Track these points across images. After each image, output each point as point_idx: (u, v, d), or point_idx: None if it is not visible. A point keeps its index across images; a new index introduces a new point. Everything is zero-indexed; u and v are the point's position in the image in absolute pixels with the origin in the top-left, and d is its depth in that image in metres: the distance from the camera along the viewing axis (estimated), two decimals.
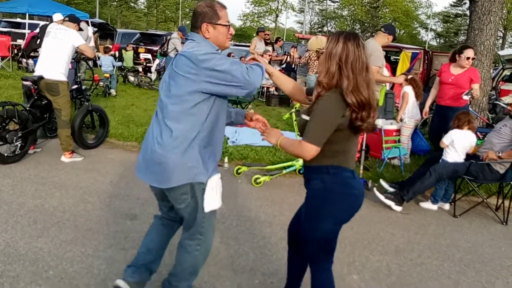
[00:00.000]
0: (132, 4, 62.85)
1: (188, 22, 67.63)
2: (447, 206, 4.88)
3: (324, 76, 2.17)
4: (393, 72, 12.10)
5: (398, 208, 4.63)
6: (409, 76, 6.47)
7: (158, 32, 20.76)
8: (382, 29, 5.58)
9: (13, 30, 15.93)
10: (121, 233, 3.63)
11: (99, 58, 11.27)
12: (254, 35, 12.81)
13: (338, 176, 2.21)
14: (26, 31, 14.83)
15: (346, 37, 2.14)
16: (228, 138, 6.70)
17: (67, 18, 5.57)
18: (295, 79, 11.32)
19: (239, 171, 5.37)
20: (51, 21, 8.20)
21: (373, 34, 57.11)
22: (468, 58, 5.53)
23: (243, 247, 3.57)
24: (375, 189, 4.86)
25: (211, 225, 2.54)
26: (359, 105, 2.09)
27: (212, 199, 2.44)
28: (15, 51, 14.01)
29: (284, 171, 5.27)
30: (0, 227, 3.54)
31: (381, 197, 4.69)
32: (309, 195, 2.32)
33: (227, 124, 2.64)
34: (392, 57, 14.86)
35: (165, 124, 2.33)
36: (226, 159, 5.72)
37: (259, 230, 3.92)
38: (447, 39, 60.33)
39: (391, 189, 4.95)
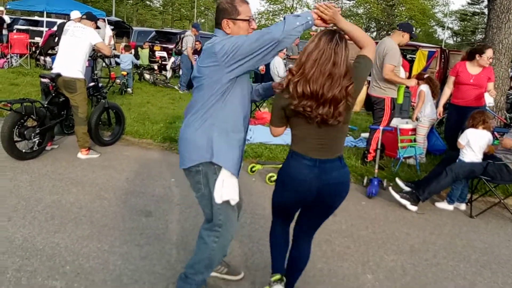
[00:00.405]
0: (148, 2, 63.17)
1: (203, 20, 67.79)
2: (463, 207, 4.83)
3: (295, 65, 2.27)
4: (410, 70, 11.98)
5: (414, 208, 4.59)
6: (426, 75, 6.40)
7: (174, 30, 20.86)
8: (398, 27, 5.54)
9: (31, 28, 16.15)
10: (137, 229, 3.67)
11: (118, 56, 11.37)
12: None
13: (294, 160, 2.39)
14: (44, 29, 15.03)
15: (324, 33, 2.23)
16: None
17: (84, 16, 5.63)
18: None
19: (253, 169, 5.37)
20: (69, 19, 8.30)
21: (389, 32, 56.61)
22: (490, 58, 5.49)
23: (257, 245, 3.58)
24: (390, 188, 4.82)
25: (229, 219, 2.56)
26: (303, 95, 2.19)
27: (219, 190, 2.44)
28: (33, 48, 14.20)
29: None
30: (18, 222, 3.60)
31: (397, 197, 4.65)
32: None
33: (257, 100, 2.79)
34: (408, 56, 14.71)
35: (190, 105, 2.49)
36: None
37: None
38: (464, 38, 59.56)
39: (406, 188, 4.91)
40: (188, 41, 11.36)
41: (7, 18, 14.71)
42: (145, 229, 3.68)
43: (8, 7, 19.34)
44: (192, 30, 11.83)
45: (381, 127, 5.40)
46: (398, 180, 5.05)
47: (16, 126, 5.01)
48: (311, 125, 2.29)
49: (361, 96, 8.47)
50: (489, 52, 5.49)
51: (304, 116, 2.25)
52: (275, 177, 5.04)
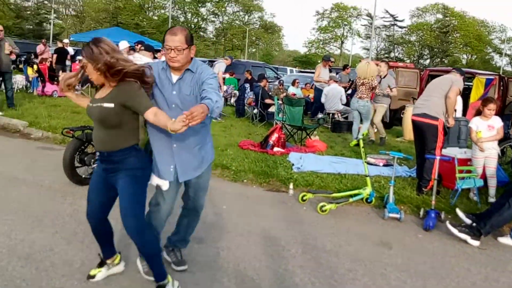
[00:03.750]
0: (201, 33, 65.41)
1: (254, 50, 69.19)
2: None
3: None
4: (467, 98, 11.62)
5: (475, 243, 4.36)
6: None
7: None
8: (455, 71, 6.02)
9: None
10: (188, 256, 3.67)
11: None
12: (319, 61, 13.00)
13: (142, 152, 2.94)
14: None
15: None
16: (292, 164, 6.68)
17: (142, 47, 5.88)
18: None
19: (304, 198, 5.32)
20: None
21: (443, 59, 55.25)
22: None
23: (309, 276, 3.50)
24: (447, 222, 4.61)
25: (159, 201, 3.19)
26: None
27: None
28: None
29: (350, 199, 5.16)
30: (77, 246, 3.70)
31: (455, 231, 4.44)
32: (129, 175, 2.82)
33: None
34: (465, 83, 14.29)
35: None
36: (291, 186, 5.69)
37: (325, 259, 3.83)
38: None
39: (467, 220, 4.66)
40: (221, 66, 11.97)
41: (70, 50, 15.62)
42: (196, 256, 3.69)
43: (71, 39, 20.60)
44: (226, 60, 12.69)
45: (437, 157, 5.23)
46: (458, 211, 4.80)
47: (77, 152, 5.23)
48: None
49: (409, 127, 8.28)
50: None
51: None
52: (326, 207, 5.00)
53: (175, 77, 2.96)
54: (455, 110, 7.46)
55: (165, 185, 3.06)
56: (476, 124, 5.61)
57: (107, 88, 2.80)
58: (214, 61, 18.95)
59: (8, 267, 3.24)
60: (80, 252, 3.59)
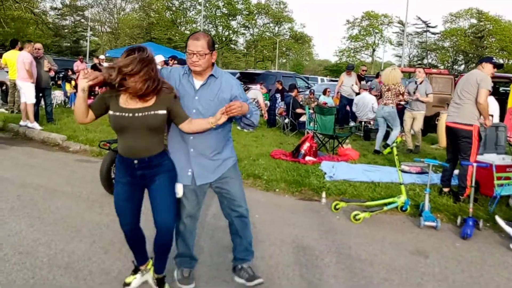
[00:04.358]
0: (232, 45, 66.16)
1: (284, 60, 69.39)
2: None
3: None
4: (504, 104, 11.28)
5: None
6: None
7: (257, 71, 21.53)
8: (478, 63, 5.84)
9: None
10: (223, 265, 3.71)
11: None
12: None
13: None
14: None
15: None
16: (325, 173, 6.64)
17: (176, 62, 6.00)
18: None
19: (337, 206, 5.28)
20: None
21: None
22: None
23: (343, 286, 3.47)
24: (511, 245, 4.49)
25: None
26: None
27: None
28: None
29: (385, 208, 5.08)
30: (114, 255, 3.78)
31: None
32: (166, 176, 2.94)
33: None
34: (501, 88, 13.90)
35: None
36: (323, 194, 5.66)
37: (359, 269, 3.78)
38: None
39: (507, 228, 4.52)
40: (258, 95, 12.39)
41: (106, 65, 16.13)
42: (230, 265, 3.70)
43: (107, 55, 21.23)
44: (262, 88, 13.68)
45: (474, 164, 5.10)
46: (498, 219, 4.66)
47: (114, 164, 5.36)
48: None
49: (444, 133, 8.09)
50: None
51: None
52: (360, 215, 4.95)
53: (198, 82, 2.97)
54: (492, 116, 7.29)
55: (180, 189, 3.05)
56: None
57: (143, 97, 2.76)
58: (246, 73, 19.20)
59: (48, 276, 3.35)
60: (117, 261, 3.67)
